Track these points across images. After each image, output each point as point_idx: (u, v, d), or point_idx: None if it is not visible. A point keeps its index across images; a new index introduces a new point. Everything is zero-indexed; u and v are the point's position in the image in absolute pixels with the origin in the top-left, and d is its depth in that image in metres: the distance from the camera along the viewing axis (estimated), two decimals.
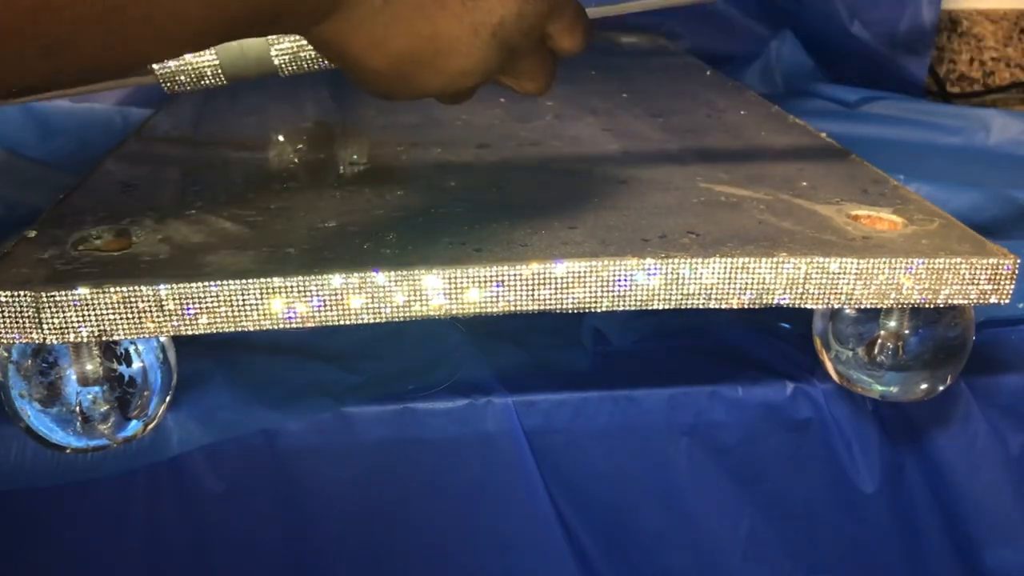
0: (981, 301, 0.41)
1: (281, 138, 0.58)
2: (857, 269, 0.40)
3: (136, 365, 0.41)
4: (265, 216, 0.44)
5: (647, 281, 0.39)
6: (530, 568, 0.51)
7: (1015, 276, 0.40)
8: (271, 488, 0.48)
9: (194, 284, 0.37)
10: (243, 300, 0.38)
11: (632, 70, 0.81)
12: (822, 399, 0.50)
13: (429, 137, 0.58)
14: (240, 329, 0.38)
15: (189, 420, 0.46)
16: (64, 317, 0.37)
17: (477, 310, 0.39)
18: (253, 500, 0.48)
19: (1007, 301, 0.41)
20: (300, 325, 0.38)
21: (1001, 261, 0.40)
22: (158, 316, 0.37)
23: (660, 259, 0.39)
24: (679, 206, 0.45)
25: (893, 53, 1.02)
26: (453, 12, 0.35)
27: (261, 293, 0.38)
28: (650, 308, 0.40)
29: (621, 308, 0.40)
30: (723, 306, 0.40)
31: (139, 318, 0.37)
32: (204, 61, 0.40)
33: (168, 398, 0.43)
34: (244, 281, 0.37)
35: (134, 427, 0.42)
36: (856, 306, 0.41)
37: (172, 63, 0.40)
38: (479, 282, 0.39)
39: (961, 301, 0.41)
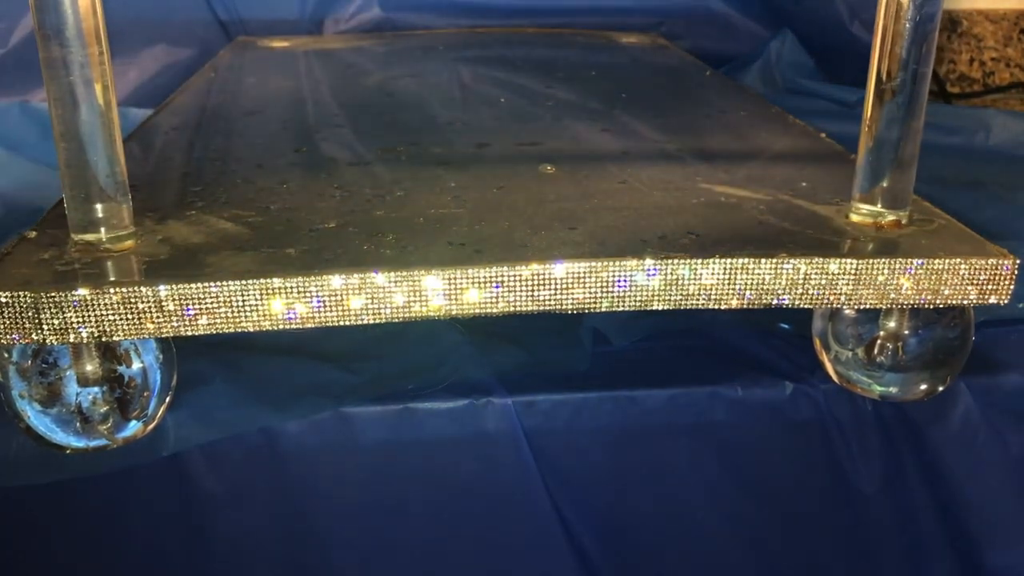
0: (981, 301, 0.41)
1: (281, 138, 0.58)
2: (857, 269, 0.40)
3: (136, 365, 0.41)
4: (265, 216, 0.44)
5: (647, 282, 0.39)
6: (530, 568, 0.51)
7: (1015, 276, 0.40)
8: (271, 488, 0.48)
9: (194, 284, 0.37)
10: (243, 300, 0.38)
11: (632, 70, 0.81)
12: (822, 399, 0.50)
13: (429, 137, 0.58)
14: (240, 329, 0.38)
15: (189, 420, 0.46)
16: (64, 317, 0.37)
17: (477, 310, 0.39)
18: (253, 500, 0.48)
19: (1007, 301, 0.41)
20: (300, 325, 0.38)
21: (1001, 261, 0.40)
22: (158, 316, 0.37)
23: (660, 260, 0.39)
24: (679, 206, 0.45)
25: None
26: None
27: (261, 293, 0.38)
28: (650, 308, 0.40)
29: (621, 308, 0.40)
30: (723, 306, 0.40)
31: (139, 318, 0.37)
32: None
33: (168, 398, 0.43)
34: (244, 281, 0.37)
35: (134, 427, 0.42)
36: (856, 306, 0.41)
37: None
38: (479, 282, 0.39)
39: (961, 301, 0.41)
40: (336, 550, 0.50)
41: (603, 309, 0.40)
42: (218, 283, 0.37)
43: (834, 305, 0.41)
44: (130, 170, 0.41)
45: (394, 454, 0.48)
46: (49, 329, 0.37)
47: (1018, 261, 0.40)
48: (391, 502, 0.49)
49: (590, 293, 0.39)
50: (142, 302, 0.37)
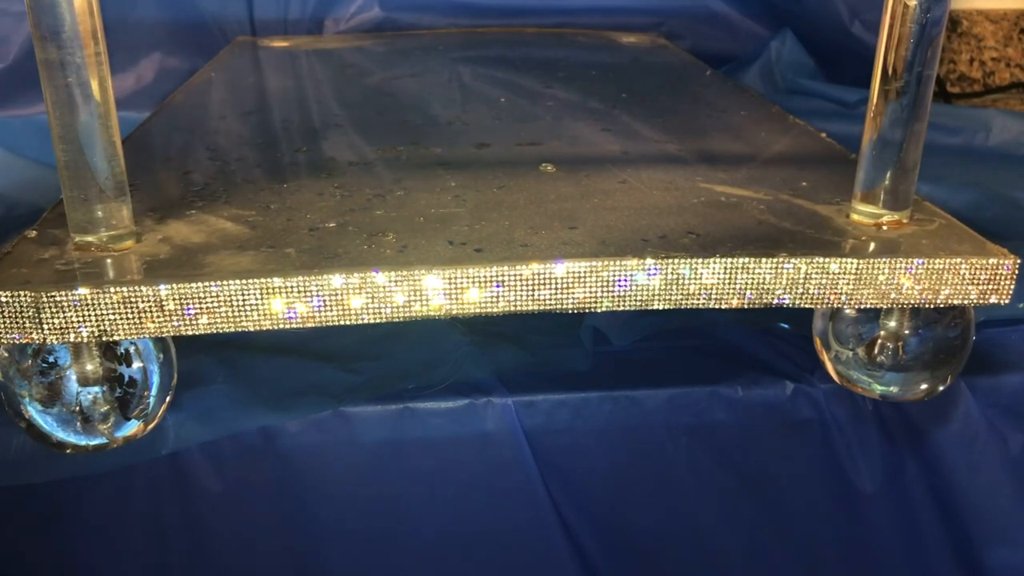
0: (981, 301, 0.41)
1: (281, 138, 0.58)
2: (857, 269, 0.40)
3: (136, 365, 0.41)
4: (265, 216, 0.44)
5: (647, 281, 0.39)
6: (530, 568, 0.51)
7: (1015, 276, 0.40)
8: (271, 488, 0.48)
9: (194, 284, 0.37)
10: (243, 300, 0.38)
11: (632, 70, 0.81)
12: (822, 399, 0.50)
13: (429, 137, 0.58)
14: (240, 329, 0.38)
15: (189, 419, 0.46)
16: (64, 317, 0.37)
17: (477, 310, 0.39)
18: (253, 500, 0.48)
19: (1007, 301, 0.41)
20: (300, 325, 0.38)
21: (1001, 261, 0.40)
22: (158, 316, 0.37)
23: (660, 259, 0.39)
24: (679, 206, 0.45)
25: None
26: None
27: (261, 293, 0.38)
28: (650, 308, 0.40)
29: (621, 308, 0.40)
30: (723, 306, 0.40)
31: (139, 318, 0.37)
32: None
33: (168, 398, 0.43)
34: (244, 281, 0.37)
35: (134, 426, 0.42)
36: (856, 306, 0.41)
37: None
38: (479, 282, 0.39)
39: (961, 301, 0.41)
40: (336, 549, 0.50)
41: (603, 309, 0.40)
42: (218, 282, 0.37)
43: (834, 305, 0.41)
44: (130, 170, 0.41)
45: (394, 454, 0.48)
46: (49, 328, 0.37)
47: (1018, 261, 0.40)
48: (391, 502, 0.49)
49: (590, 293, 0.39)
50: (142, 302, 0.37)
